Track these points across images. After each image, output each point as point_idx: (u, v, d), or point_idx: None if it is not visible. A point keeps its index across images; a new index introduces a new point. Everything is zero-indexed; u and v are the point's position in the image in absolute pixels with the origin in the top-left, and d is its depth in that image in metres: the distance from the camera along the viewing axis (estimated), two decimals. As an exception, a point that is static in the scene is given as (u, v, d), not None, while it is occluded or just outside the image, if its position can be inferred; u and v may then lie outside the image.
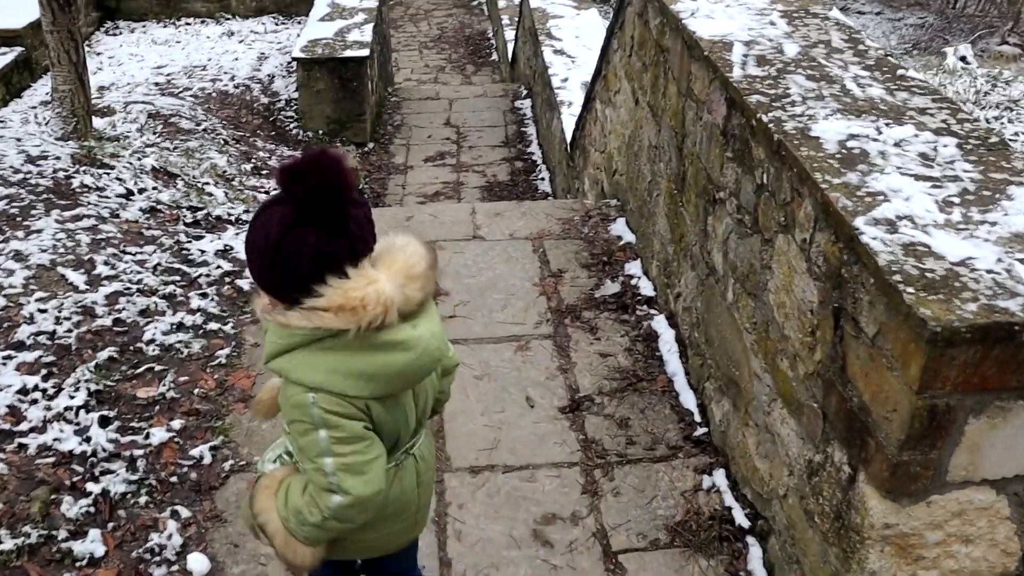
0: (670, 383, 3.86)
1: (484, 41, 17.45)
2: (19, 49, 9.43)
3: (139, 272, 4.55)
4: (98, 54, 10.38)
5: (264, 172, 7.67)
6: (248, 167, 7.58)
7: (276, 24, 11.13)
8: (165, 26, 11.12)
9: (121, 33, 10.97)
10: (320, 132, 9.24)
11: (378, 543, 2.25)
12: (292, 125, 9.22)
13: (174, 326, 4.18)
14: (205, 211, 5.49)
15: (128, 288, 4.39)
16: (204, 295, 4.47)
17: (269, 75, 9.76)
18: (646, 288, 4.44)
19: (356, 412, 1.89)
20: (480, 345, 4.07)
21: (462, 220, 5.08)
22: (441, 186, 8.74)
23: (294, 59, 8.96)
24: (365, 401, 1.89)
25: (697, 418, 3.64)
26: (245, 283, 4.58)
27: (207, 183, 6.57)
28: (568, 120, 7.46)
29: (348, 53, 8.93)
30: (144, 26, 11.14)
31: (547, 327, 4.18)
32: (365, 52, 8.96)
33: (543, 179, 8.73)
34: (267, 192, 7.19)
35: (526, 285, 4.49)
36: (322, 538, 2.02)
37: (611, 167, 5.40)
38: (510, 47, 13.79)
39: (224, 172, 7.14)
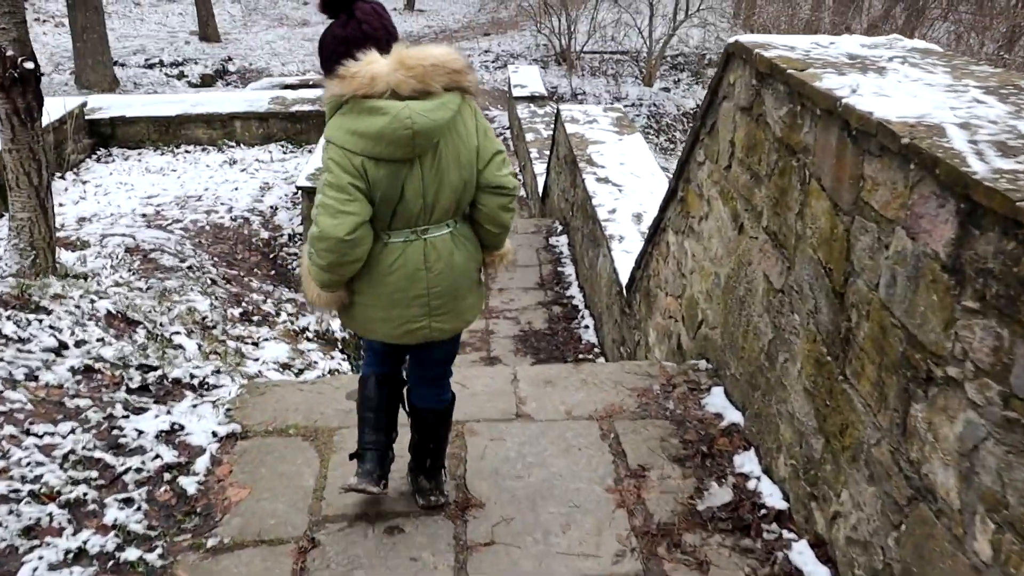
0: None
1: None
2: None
3: (41, 464, 3.19)
4: (84, 182, 9.33)
5: (256, 318, 6.40)
6: (236, 312, 6.32)
7: (284, 152, 10.10)
8: (162, 154, 10.11)
9: (113, 160, 9.97)
10: (326, 270, 8.02)
11: (387, 326, 2.69)
12: (294, 262, 8.01)
13: (70, 555, 2.79)
14: (159, 372, 4.16)
15: (16, 491, 3.02)
16: (128, 501, 3.09)
17: (272, 207, 8.63)
18: (771, 494, 3.02)
19: (350, 167, 2.47)
20: (532, 594, 2.65)
21: (500, 391, 3.70)
22: (466, 336, 7.43)
23: (298, 188, 7.83)
24: (360, 159, 2.46)
25: None
26: (191, 484, 3.20)
27: (177, 332, 5.27)
28: (620, 257, 6.19)
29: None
30: (140, 153, 10.14)
31: (633, 562, 2.75)
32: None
33: (587, 327, 7.41)
34: (255, 343, 5.90)
35: (596, 491, 3.07)
36: (318, 273, 2.59)
37: (694, 316, 4.08)
38: (539, 180, 12.75)
39: (204, 318, 5.86)
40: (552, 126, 15.90)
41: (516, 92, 17.78)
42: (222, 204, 8.61)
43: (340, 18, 2.52)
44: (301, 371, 5.72)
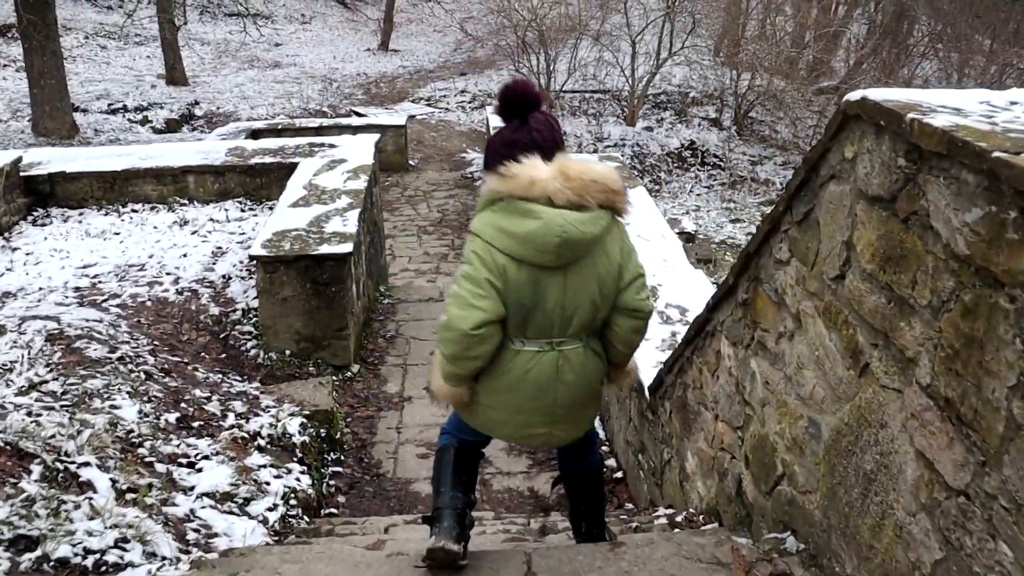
0: None
1: (491, 225, 15.47)
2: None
3: None
4: (14, 249, 8.16)
5: (196, 424, 5.26)
6: (173, 418, 5.18)
7: (242, 210, 8.99)
8: (107, 214, 8.95)
9: (51, 222, 8.80)
10: (287, 353, 6.89)
11: (508, 428, 2.80)
12: (250, 344, 6.88)
13: None
14: (40, 551, 3.02)
15: None
16: None
17: (224, 276, 7.50)
18: None
19: (491, 263, 2.53)
20: None
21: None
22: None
23: (252, 258, 6.71)
24: (504, 257, 2.51)
25: None
26: None
27: (86, 463, 4.13)
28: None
29: (325, 249, 6.69)
30: (81, 214, 8.98)
31: None
32: (348, 247, 6.73)
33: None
34: (192, 463, 4.75)
35: None
36: (443, 363, 2.69)
37: (769, 465, 2.99)
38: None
39: (128, 433, 4.72)
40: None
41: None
42: (168, 274, 7.47)
43: (513, 123, 2.61)
44: (247, 501, 4.58)
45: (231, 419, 5.51)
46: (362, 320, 7.67)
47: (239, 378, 6.44)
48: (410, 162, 19.09)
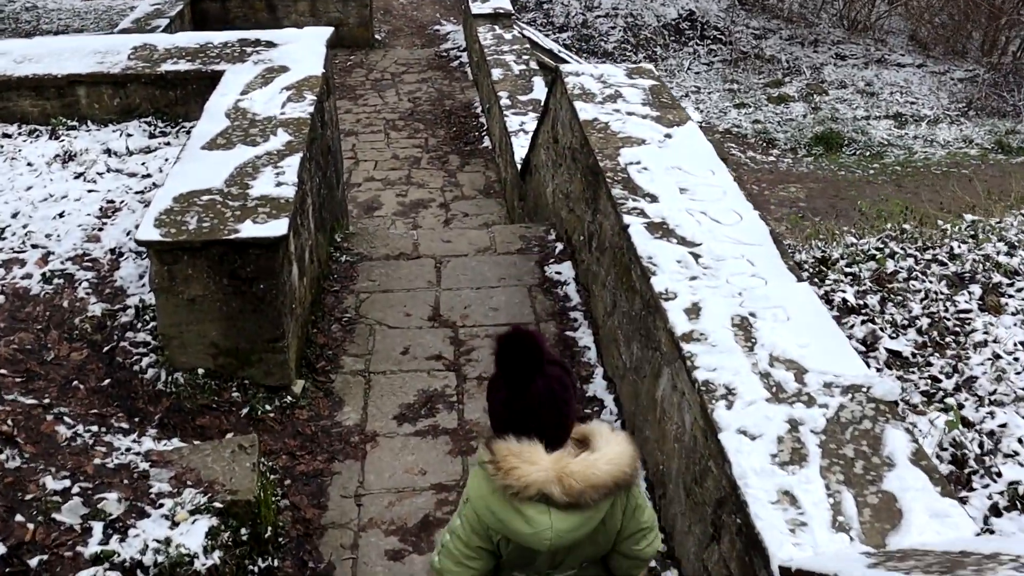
0: None
1: (471, 118, 13.27)
2: None
3: None
4: None
5: (38, 560, 3.30)
6: (-6, 549, 3.21)
7: (151, 135, 6.75)
8: (-30, 140, 6.71)
9: None
10: (200, 373, 4.87)
11: None
12: (146, 362, 4.86)
13: None
14: None
15: None
16: None
17: (114, 251, 5.40)
18: None
19: (483, 532, 2.45)
20: None
21: None
22: (433, 497, 4.43)
23: (140, 243, 4.61)
24: (495, 532, 2.42)
25: None
26: None
27: None
28: (727, 420, 3.19)
29: (248, 230, 4.59)
30: (-62, 139, 6.73)
31: None
32: (281, 227, 4.63)
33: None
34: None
35: None
36: None
37: None
38: (517, 145, 9.54)
39: None
40: (528, 54, 12.52)
41: (475, 8, 14.31)
42: (35, 246, 5.34)
43: (512, 389, 2.40)
44: None
45: (97, 535, 3.55)
46: (306, 312, 5.63)
47: (127, 423, 4.44)
48: (376, 36, 16.57)
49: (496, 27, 13.77)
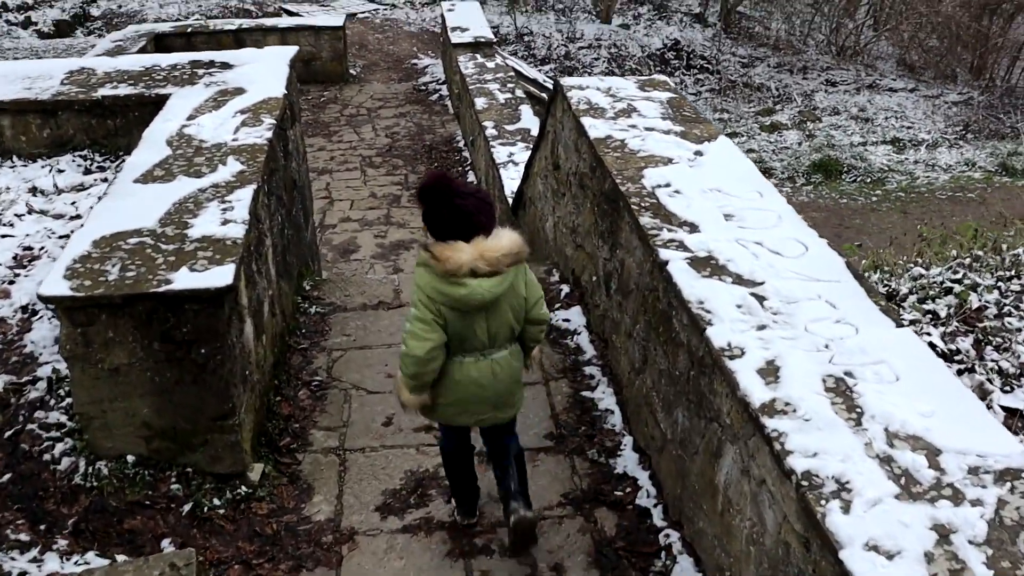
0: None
1: (453, 152, 12.35)
2: None
3: None
4: None
5: None
6: None
7: (84, 171, 5.78)
8: None
9: None
10: (129, 461, 3.85)
11: (464, 417, 3.54)
12: (59, 449, 3.84)
13: None
14: None
15: None
16: None
17: (25, 308, 4.40)
18: None
19: (434, 309, 3.25)
20: None
21: None
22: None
23: (44, 300, 3.61)
24: (441, 307, 3.24)
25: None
26: None
27: None
28: (847, 530, 2.22)
29: (183, 280, 3.59)
30: None
31: None
32: (226, 275, 3.64)
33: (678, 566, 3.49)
34: None
35: None
36: (407, 380, 3.39)
37: None
38: (506, 178, 8.60)
39: None
40: (512, 81, 11.65)
41: (455, 38, 13.45)
42: (-71, 305, 4.34)
43: (442, 210, 3.26)
44: None
45: None
46: (270, 367, 4.64)
47: (28, 533, 3.42)
48: (351, 71, 15.68)
49: (478, 56, 12.91)
